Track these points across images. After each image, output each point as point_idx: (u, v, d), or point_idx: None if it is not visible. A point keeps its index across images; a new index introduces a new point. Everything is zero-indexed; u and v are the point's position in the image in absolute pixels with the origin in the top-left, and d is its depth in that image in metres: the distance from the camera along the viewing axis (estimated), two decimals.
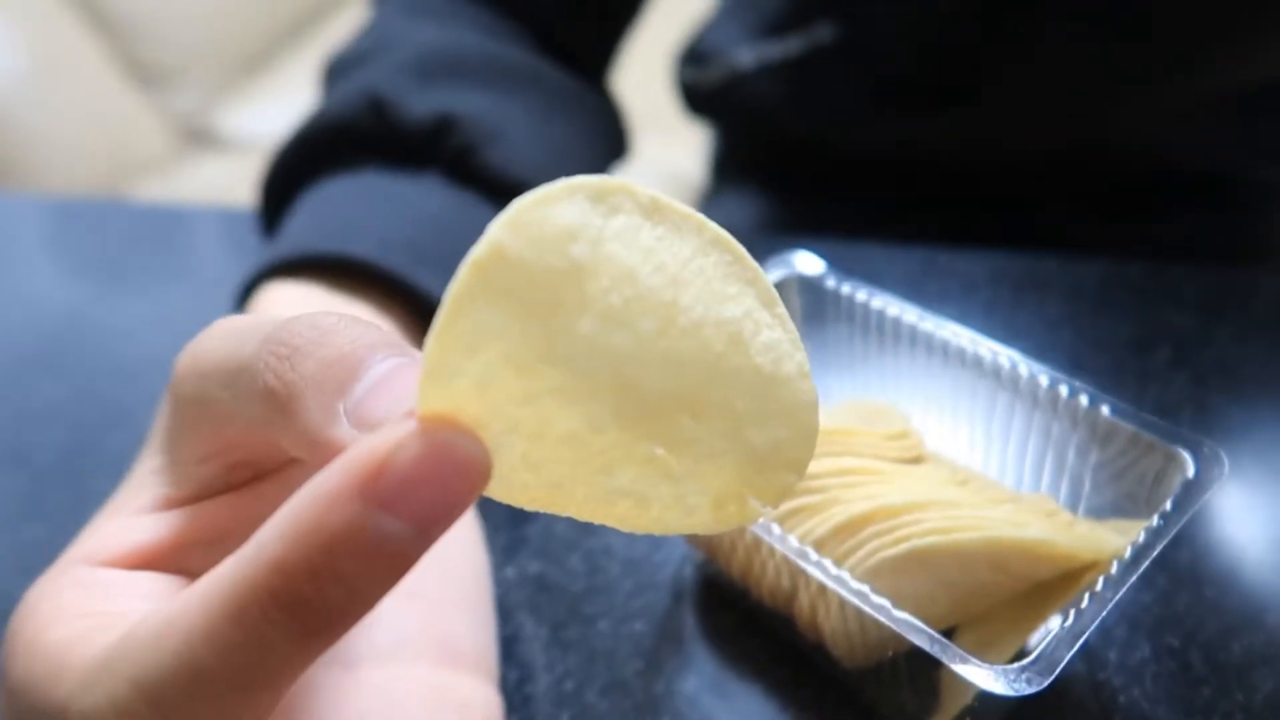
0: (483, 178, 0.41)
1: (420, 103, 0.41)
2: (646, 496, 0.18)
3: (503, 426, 0.16)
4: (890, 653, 0.29)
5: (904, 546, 0.26)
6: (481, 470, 0.16)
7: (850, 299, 0.34)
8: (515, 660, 0.32)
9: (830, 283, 0.34)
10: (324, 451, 0.17)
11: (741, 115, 0.68)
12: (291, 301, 0.35)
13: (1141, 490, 0.28)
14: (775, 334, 0.18)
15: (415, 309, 0.37)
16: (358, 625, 0.24)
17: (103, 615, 0.20)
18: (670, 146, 1.11)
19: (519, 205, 0.16)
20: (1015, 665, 0.22)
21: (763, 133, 0.72)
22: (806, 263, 0.35)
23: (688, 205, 0.18)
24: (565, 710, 0.31)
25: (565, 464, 0.17)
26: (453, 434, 0.15)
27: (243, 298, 0.38)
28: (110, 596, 0.21)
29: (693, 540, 0.33)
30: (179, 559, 0.23)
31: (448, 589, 0.28)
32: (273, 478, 0.24)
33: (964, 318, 0.41)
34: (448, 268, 0.37)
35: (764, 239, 0.47)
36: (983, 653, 0.28)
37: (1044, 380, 0.30)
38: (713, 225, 0.18)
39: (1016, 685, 0.22)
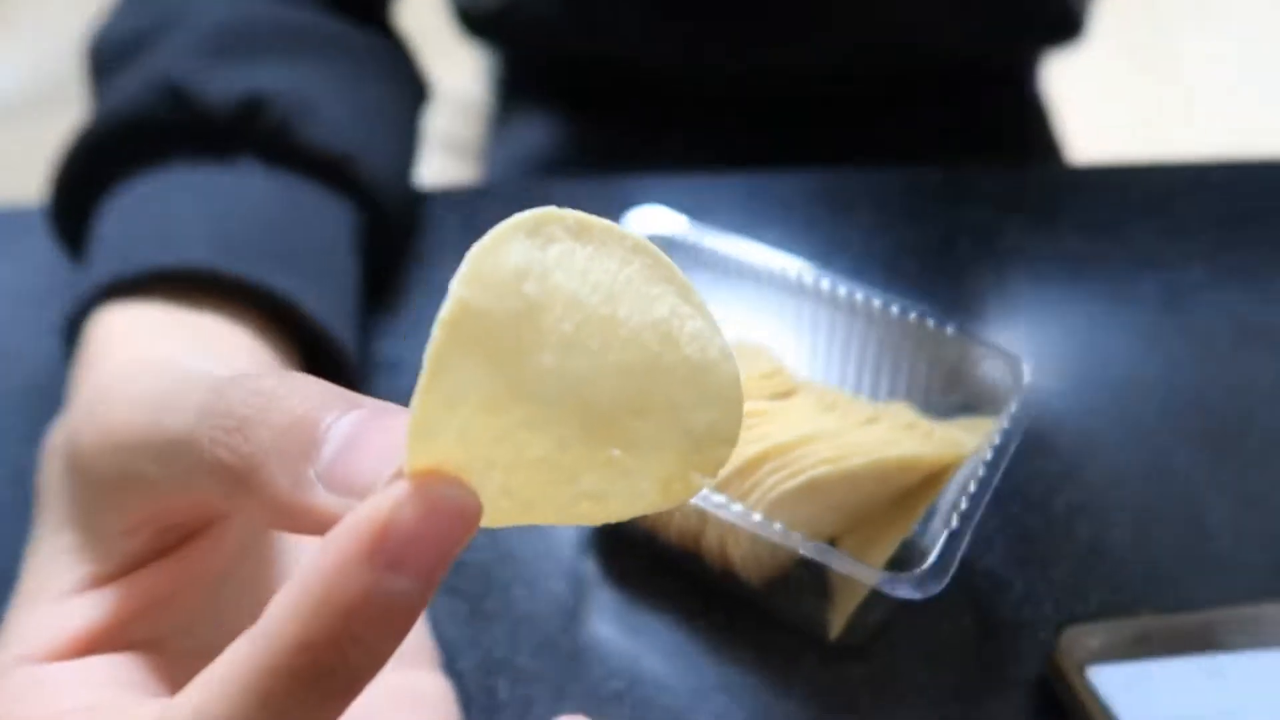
0: (302, 156, 0.39)
1: (221, 85, 0.38)
2: (606, 494, 0.19)
3: (482, 466, 0.17)
4: (790, 568, 0.33)
5: (802, 478, 0.29)
6: (474, 514, 0.17)
7: (699, 245, 0.36)
8: (443, 641, 0.33)
9: (682, 230, 0.36)
10: (300, 518, 0.17)
11: (523, 35, 0.67)
12: (137, 329, 0.33)
13: (981, 390, 0.32)
14: (697, 323, 0.19)
15: (265, 310, 0.36)
16: None
17: (71, 715, 0.20)
18: (449, 71, 1.07)
19: (472, 257, 0.16)
20: (919, 570, 0.26)
21: (546, 53, 0.71)
22: (653, 216, 0.36)
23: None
24: (499, 677, 0.32)
25: (537, 484, 0.18)
26: (445, 486, 0.16)
27: (71, 329, 0.35)
28: (68, 693, 0.21)
29: None
30: (123, 635, 0.22)
31: None
32: (205, 535, 0.24)
33: (788, 239, 0.44)
34: (286, 261, 0.36)
35: (593, 187, 0.48)
36: (865, 555, 0.32)
37: (894, 309, 0.33)
38: (631, 233, 0.19)
39: (924, 588, 0.26)
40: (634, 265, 0.19)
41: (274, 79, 0.39)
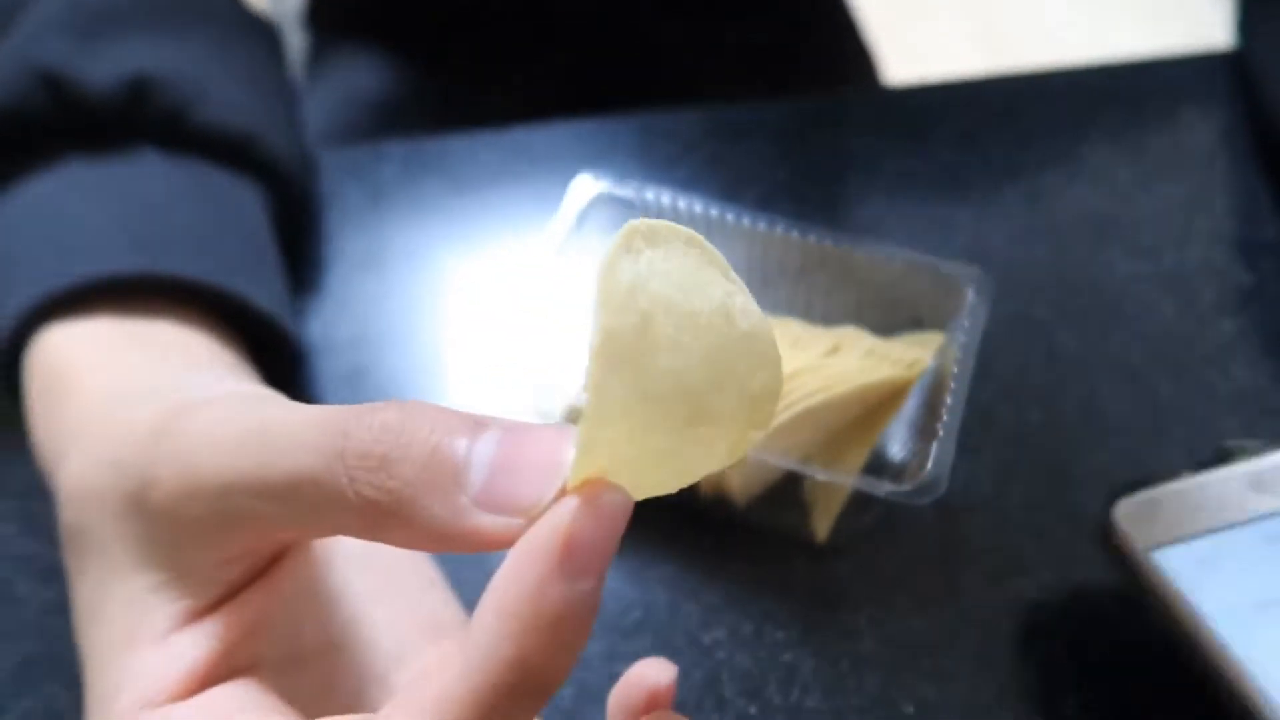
0: (203, 141, 0.38)
1: (99, 68, 0.36)
2: (694, 465, 0.22)
3: (620, 465, 0.19)
4: (775, 486, 0.37)
5: (797, 409, 0.32)
6: (628, 510, 0.19)
7: (645, 202, 0.38)
8: (469, 607, 0.35)
9: (623, 191, 0.38)
10: (460, 543, 0.19)
11: None
12: (96, 350, 0.31)
13: (920, 305, 0.37)
14: (741, 298, 0.22)
15: (209, 308, 0.35)
16: (362, 643, 0.26)
17: None
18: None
19: (600, 285, 0.18)
20: (920, 481, 0.30)
21: None
22: (588, 184, 0.37)
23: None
24: None
25: (653, 469, 0.20)
26: (607, 494, 0.18)
27: (10, 351, 0.33)
28: None
29: None
30: (230, 663, 0.23)
31: (408, 572, 0.30)
32: (295, 553, 0.24)
33: (697, 177, 0.47)
34: (218, 254, 0.35)
35: (489, 140, 0.48)
36: (841, 466, 0.36)
37: (827, 241, 0.36)
38: (681, 228, 0.21)
39: (929, 493, 0.30)
40: (691, 257, 0.21)
41: (154, 57, 0.37)
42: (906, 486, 0.30)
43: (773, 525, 0.37)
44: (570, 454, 0.19)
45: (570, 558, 0.17)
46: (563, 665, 0.18)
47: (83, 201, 0.35)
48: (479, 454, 0.19)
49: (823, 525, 0.36)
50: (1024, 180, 0.47)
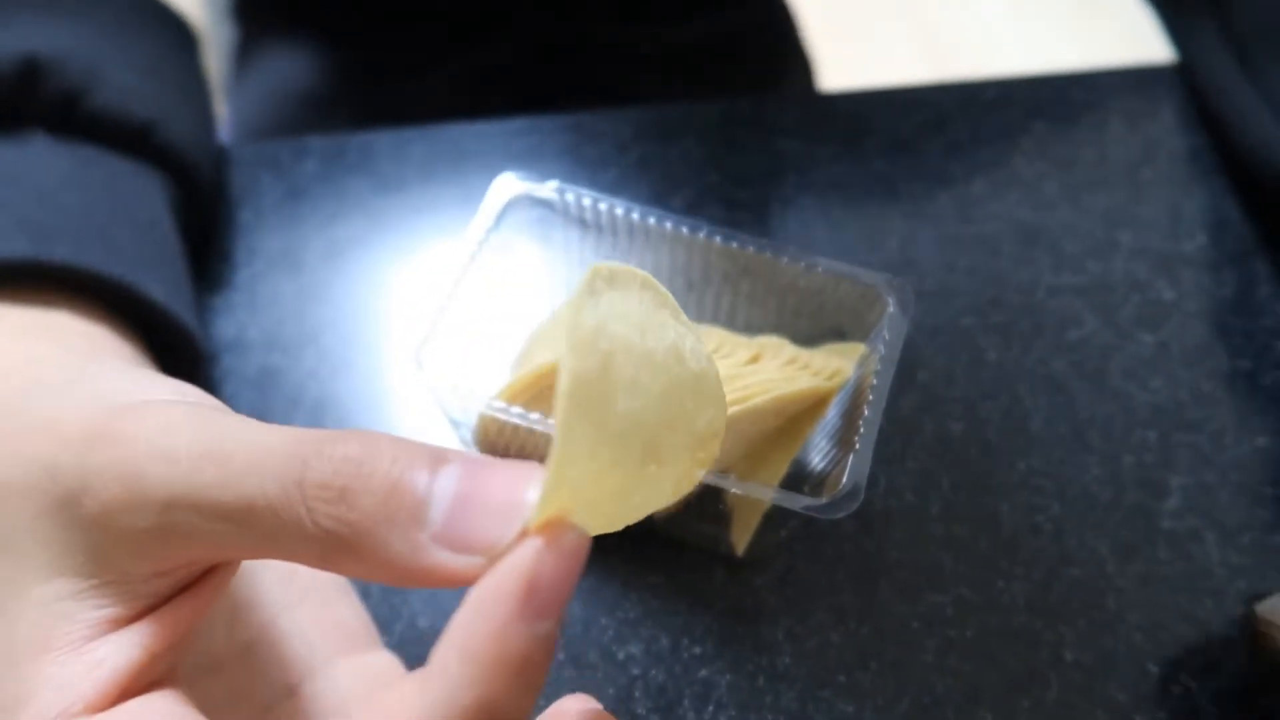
0: (98, 128, 0.36)
1: None
2: (644, 503, 0.22)
3: (580, 504, 0.19)
4: (692, 498, 0.36)
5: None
6: (587, 549, 0.19)
7: (570, 202, 0.37)
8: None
9: (545, 192, 0.37)
10: (418, 579, 0.19)
11: None
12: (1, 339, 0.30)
13: (843, 316, 0.36)
14: (690, 339, 0.22)
15: (104, 300, 0.33)
16: (273, 652, 0.26)
17: None
18: None
19: (567, 328, 0.18)
20: (837, 494, 0.30)
21: None
22: (510, 184, 0.36)
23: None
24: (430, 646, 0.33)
25: (607, 507, 0.20)
26: (568, 534, 0.18)
27: None
28: None
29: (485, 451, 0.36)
30: (152, 674, 0.22)
31: (319, 581, 0.29)
32: (227, 566, 0.23)
33: (626, 178, 0.46)
34: (113, 244, 0.34)
35: (417, 135, 0.47)
36: (759, 478, 0.35)
37: (751, 248, 0.36)
38: (637, 271, 0.21)
39: (843, 508, 0.29)
40: (646, 298, 0.22)
41: (47, 38, 0.35)
42: (823, 500, 0.30)
43: (691, 537, 0.36)
44: (533, 494, 0.19)
45: (532, 600, 0.17)
46: (525, 706, 0.18)
47: None
48: (440, 490, 0.19)
49: (741, 538, 0.35)
50: (954, 189, 0.47)
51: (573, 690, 0.33)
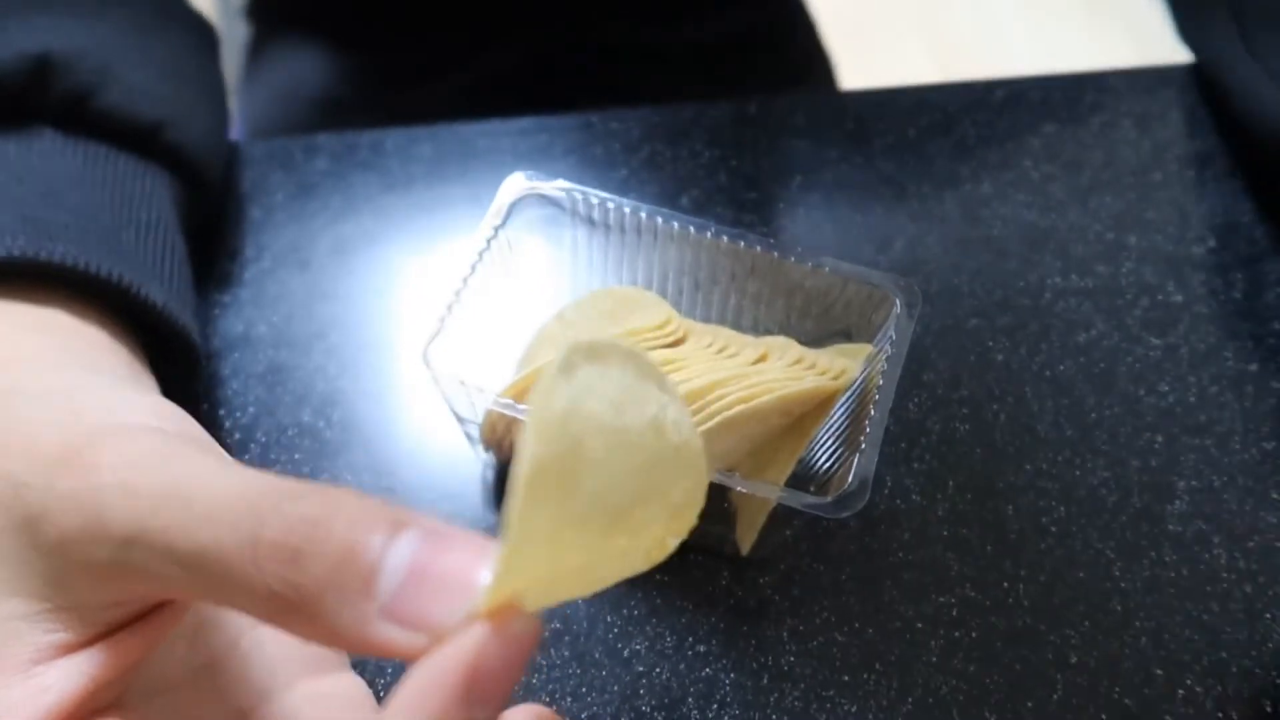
0: (107, 127, 0.36)
1: (1, 44, 0.34)
2: (610, 574, 0.21)
3: (536, 586, 0.19)
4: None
5: (717, 419, 0.32)
6: (538, 635, 0.18)
7: (579, 201, 0.37)
8: None
9: (554, 192, 0.37)
10: (362, 649, 0.18)
11: None
12: None
13: (849, 317, 0.36)
14: (674, 409, 0.22)
15: (102, 298, 0.33)
16: (231, 675, 0.26)
17: None
18: None
19: (533, 414, 0.18)
20: (842, 494, 0.30)
21: None
22: (520, 183, 0.36)
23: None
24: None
25: (569, 583, 0.20)
26: (518, 622, 0.18)
27: None
28: None
29: (491, 447, 0.37)
30: (96, 702, 0.22)
31: None
32: (180, 602, 0.23)
33: (635, 177, 0.46)
34: (114, 244, 0.34)
35: (424, 134, 0.47)
36: (764, 477, 0.35)
37: (758, 248, 0.36)
38: (623, 345, 0.21)
39: (848, 507, 0.29)
40: (629, 370, 0.21)
41: (61, 36, 0.36)
42: (828, 499, 0.30)
43: (696, 537, 0.36)
44: (485, 576, 0.18)
45: (473, 689, 0.17)
46: None
47: None
48: (393, 560, 0.18)
49: (747, 537, 0.35)
50: (962, 190, 0.46)
51: (578, 687, 0.33)
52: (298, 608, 0.18)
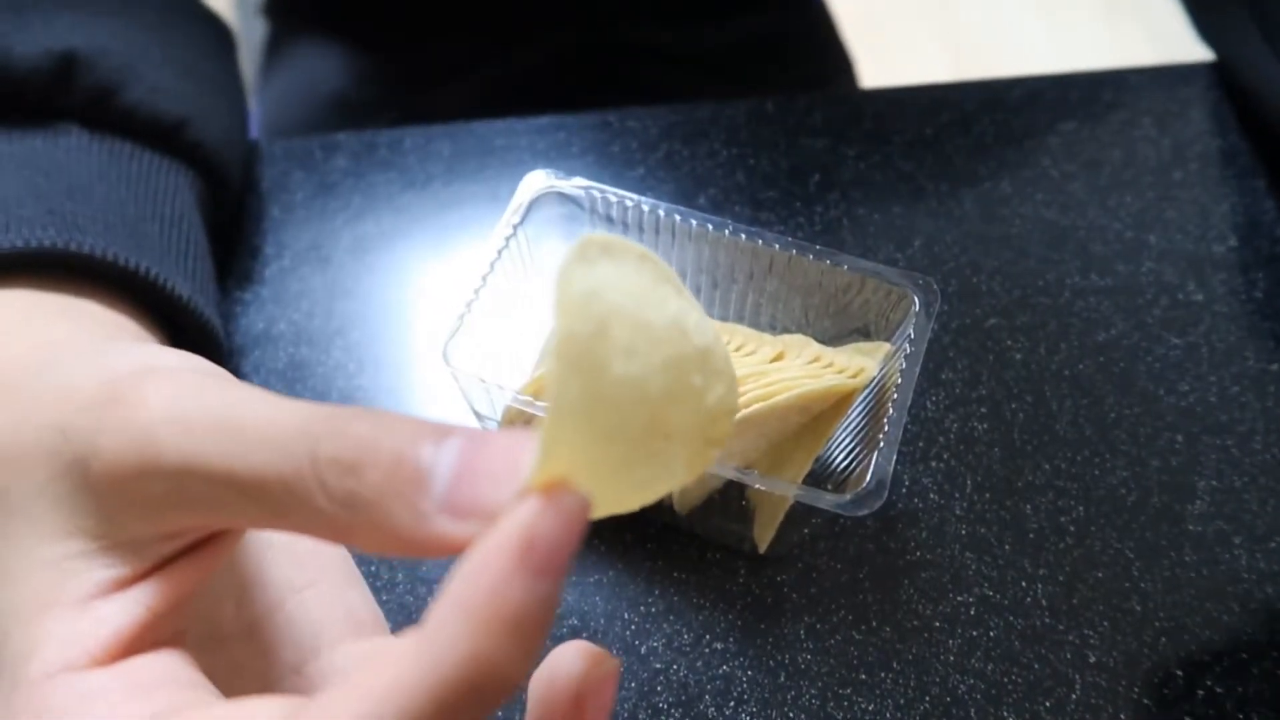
0: (131, 124, 0.37)
1: (27, 41, 0.35)
2: (651, 481, 0.21)
3: (579, 469, 0.19)
4: (714, 494, 0.36)
5: (739, 415, 0.32)
6: (587, 513, 0.18)
7: (597, 199, 0.37)
8: (388, 613, 0.34)
9: (574, 190, 0.37)
10: (423, 547, 0.19)
11: None
12: (9, 313, 0.30)
13: (867, 315, 0.36)
14: (695, 314, 0.22)
15: (128, 289, 0.34)
16: (279, 633, 0.26)
17: None
18: None
19: (557, 288, 0.18)
20: (860, 492, 0.30)
21: None
22: (539, 181, 0.37)
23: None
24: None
25: (610, 481, 0.20)
26: (567, 495, 0.18)
27: None
28: (126, 698, 0.20)
29: None
30: (156, 635, 0.22)
31: (330, 566, 0.29)
32: (232, 533, 0.24)
33: (653, 176, 0.46)
34: (140, 237, 0.34)
35: (444, 132, 0.48)
36: (782, 474, 0.35)
37: (776, 247, 0.36)
38: (636, 245, 0.21)
39: (867, 505, 0.29)
40: (645, 272, 0.21)
41: (86, 34, 0.36)
42: (846, 497, 0.30)
43: (714, 534, 0.36)
44: (530, 457, 0.19)
45: (530, 555, 0.17)
46: (521, 665, 0.18)
47: (5, 173, 0.34)
48: (443, 461, 0.19)
49: (764, 535, 0.36)
50: (980, 189, 0.46)
51: None
52: (359, 516, 0.19)
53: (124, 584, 0.22)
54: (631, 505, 0.21)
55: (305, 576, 0.27)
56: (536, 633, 0.18)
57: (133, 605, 0.21)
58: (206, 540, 0.23)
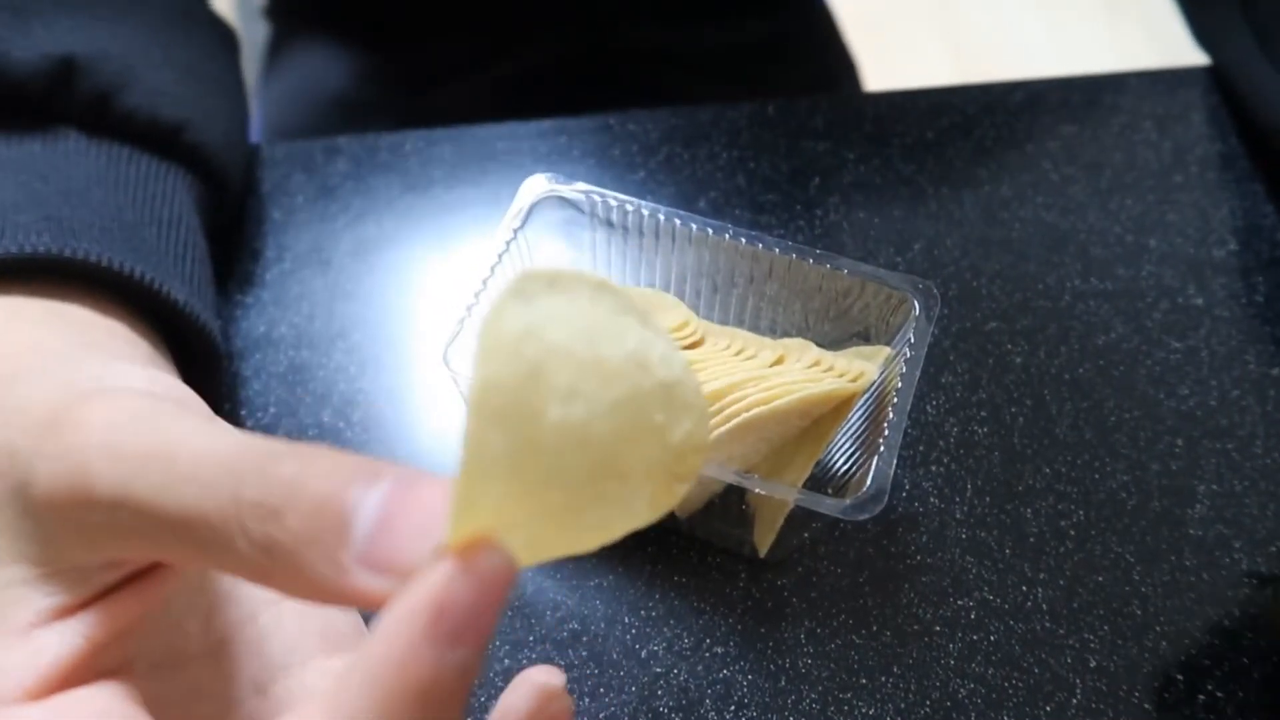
0: (129, 128, 0.37)
1: (27, 45, 0.35)
2: (607, 522, 0.20)
3: (510, 524, 0.18)
4: (715, 498, 0.36)
5: (737, 420, 0.32)
6: (513, 575, 0.17)
7: (597, 203, 0.37)
8: None
9: (573, 193, 0.37)
10: (342, 600, 0.18)
11: None
12: (14, 320, 0.30)
13: (868, 319, 0.36)
14: (660, 346, 0.20)
15: (124, 295, 0.34)
16: (248, 649, 0.25)
17: None
18: None
19: (480, 334, 0.17)
20: (860, 497, 0.30)
21: None
22: (539, 184, 0.37)
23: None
24: None
25: (554, 529, 0.19)
26: (487, 556, 0.17)
27: None
28: None
29: None
30: (98, 664, 0.22)
31: None
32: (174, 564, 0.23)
33: (653, 179, 0.46)
34: (136, 242, 0.34)
35: (443, 136, 0.48)
36: (783, 478, 0.35)
37: (776, 250, 0.36)
38: (590, 275, 0.20)
39: (867, 510, 0.29)
40: (602, 303, 0.20)
41: (85, 39, 0.36)
42: (846, 501, 0.30)
43: (714, 538, 0.36)
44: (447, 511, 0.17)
45: (439, 624, 0.16)
46: None
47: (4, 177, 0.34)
48: (367, 508, 0.18)
49: (764, 539, 0.36)
50: (981, 192, 0.46)
51: (596, 688, 0.33)
52: (278, 564, 0.18)
53: (64, 612, 0.21)
54: (589, 546, 0.20)
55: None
56: (450, 701, 0.17)
57: (71, 635, 0.21)
58: (153, 568, 0.22)
